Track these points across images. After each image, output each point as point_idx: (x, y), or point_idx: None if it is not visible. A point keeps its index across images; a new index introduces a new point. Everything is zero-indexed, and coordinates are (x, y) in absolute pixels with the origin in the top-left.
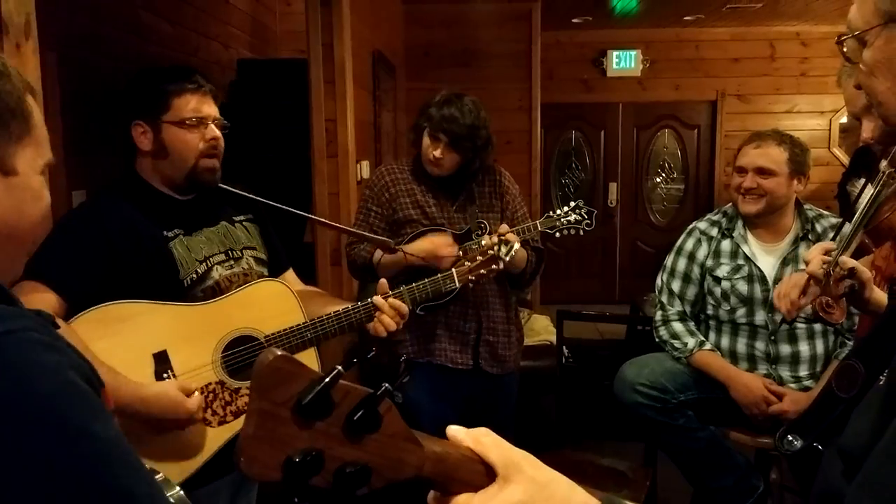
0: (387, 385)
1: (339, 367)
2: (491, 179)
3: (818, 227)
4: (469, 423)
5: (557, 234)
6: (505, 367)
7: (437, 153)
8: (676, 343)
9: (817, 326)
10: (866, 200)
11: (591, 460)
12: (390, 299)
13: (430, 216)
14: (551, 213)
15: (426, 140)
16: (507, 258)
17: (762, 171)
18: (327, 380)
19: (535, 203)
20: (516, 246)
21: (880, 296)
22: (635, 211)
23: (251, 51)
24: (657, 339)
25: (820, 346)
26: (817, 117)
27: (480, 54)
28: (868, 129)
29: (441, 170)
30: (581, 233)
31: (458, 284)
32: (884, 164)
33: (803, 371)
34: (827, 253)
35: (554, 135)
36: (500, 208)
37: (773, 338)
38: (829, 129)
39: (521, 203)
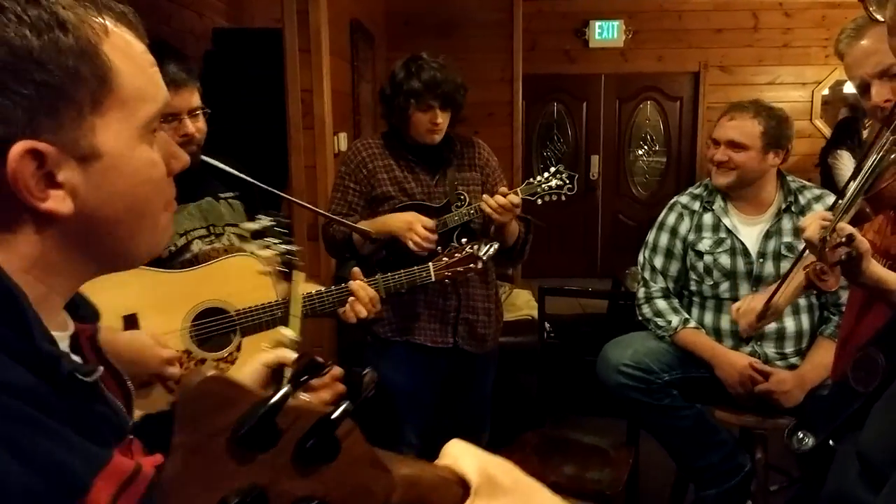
0: (346, 404)
1: (287, 388)
2: (470, 152)
3: (801, 200)
4: (446, 403)
5: (539, 201)
6: (484, 346)
7: (439, 120)
8: (660, 321)
9: (802, 301)
10: (868, 166)
11: (573, 438)
12: (362, 284)
13: (408, 192)
14: (531, 179)
15: (417, 115)
16: (486, 257)
17: (733, 145)
18: (272, 402)
19: (518, 176)
20: (496, 246)
21: (878, 269)
22: (617, 184)
23: (227, 20)
24: (640, 318)
25: (805, 322)
26: (799, 89)
27: (461, 24)
28: (880, 94)
29: (440, 135)
30: (563, 198)
31: (433, 278)
32: (885, 132)
33: (789, 348)
34: (825, 220)
35: (536, 107)
36: (479, 181)
37: None
38: (812, 101)
39: (501, 176)
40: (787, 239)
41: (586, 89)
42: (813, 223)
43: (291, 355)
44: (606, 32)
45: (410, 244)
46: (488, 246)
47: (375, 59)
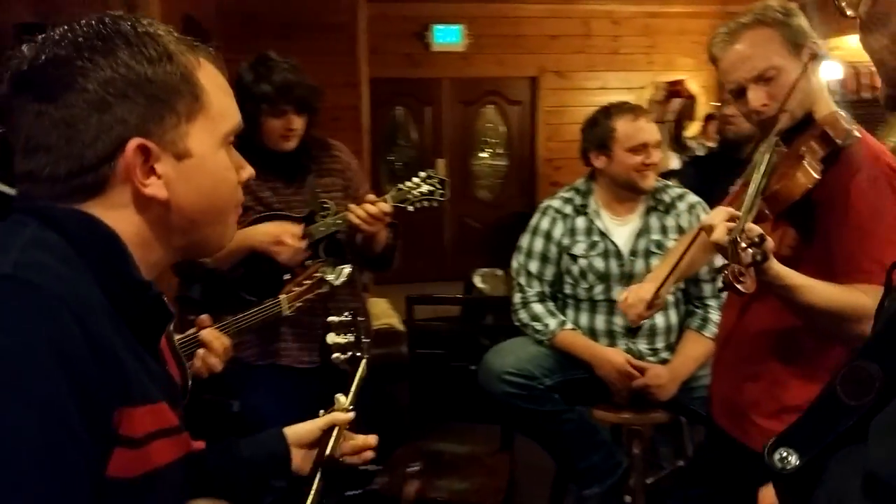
0: None
1: None
2: (328, 156)
3: (666, 198)
4: None
5: (410, 208)
6: None
7: (294, 125)
8: (538, 325)
9: (669, 297)
10: (762, 168)
11: (447, 449)
12: (215, 332)
13: (264, 202)
14: (401, 185)
15: (270, 121)
16: (338, 283)
17: (657, 144)
18: None
19: (366, 181)
20: (347, 270)
21: (779, 267)
22: (463, 187)
23: (34, 14)
24: (517, 323)
25: (674, 317)
26: (626, 94)
27: (303, 26)
28: (756, 98)
29: (295, 141)
30: (436, 204)
31: (286, 312)
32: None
33: (660, 343)
34: (731, 219)
35: (380, 111)
36: (342, 185)
37: None
38: None
39: (364, 178)
40: (655, 237)
41: (429, 93)
42: (719, 225)
43: (343, 417)
44: (448, 36)
45: (282, 258)
46: (338, 270)
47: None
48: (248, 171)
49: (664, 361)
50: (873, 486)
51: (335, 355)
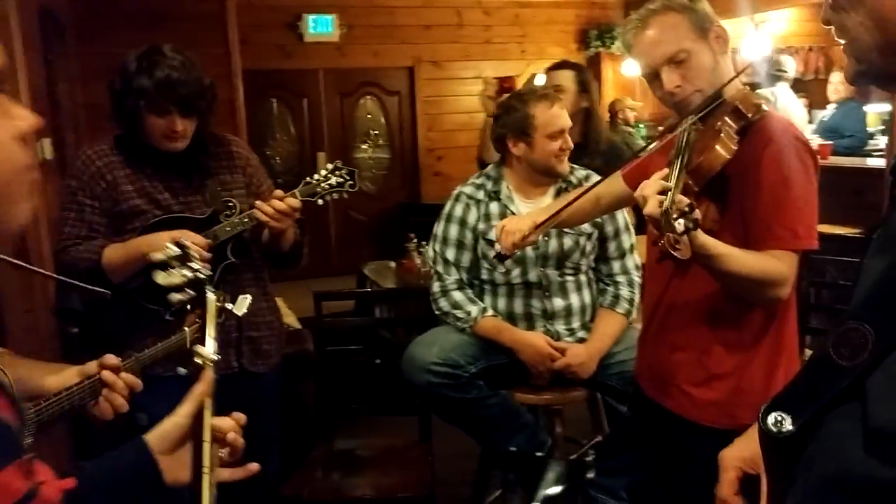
0: None
1: None
2: (226, 151)
3: (573, 179)
4: None
5: (320, 202)
6: (269, 364)
7: (178, 127)
8: (459, 313)
9: (583, 278)
10: (682, 146)
11: (365, 444)
12: (122, 373)
13: (162, 204)
14: (309, 178)
15: (151, 118)
16: (241, 313)
17: (569, 129)
18: None
19: None
20: (248, 301)
21: (703, 236)
22: None
23: None
24: (437, 312)
25: (587, 297)
26: None
27: (166, 16)
28: (670, 81)
29: (183, 143)
30: (345, 196)
31: (189, 346)
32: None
33: (576, 323)
34: (663, 192)
35: (254, 104)
36: (243, 182)
37: (547, 294)
38: None
39: (265, 173)
40: None
41: (305, 84)
42: (651, 198)
43: (205, 389)
44: (321, 26)
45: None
46: (240, 300)
47: (68, 55)
48: (27, 120)
49: (581, 340)
50: (878, 441)
51: (173, 296)
